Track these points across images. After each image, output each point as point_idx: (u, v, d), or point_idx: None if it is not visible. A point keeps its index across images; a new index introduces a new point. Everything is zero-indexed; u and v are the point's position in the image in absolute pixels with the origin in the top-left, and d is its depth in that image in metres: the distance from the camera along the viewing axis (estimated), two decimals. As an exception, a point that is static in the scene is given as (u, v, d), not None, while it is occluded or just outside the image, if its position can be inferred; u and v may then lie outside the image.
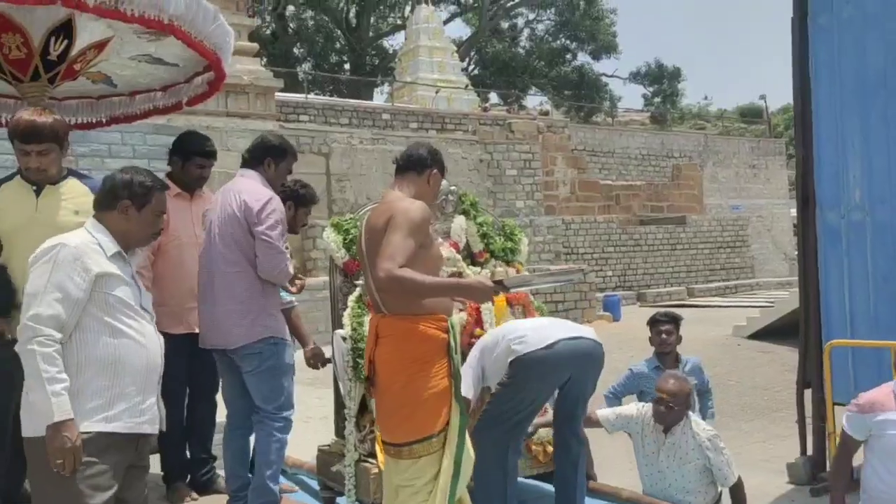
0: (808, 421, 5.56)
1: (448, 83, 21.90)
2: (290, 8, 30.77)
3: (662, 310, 4.41)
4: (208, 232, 3.20)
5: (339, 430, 3.35)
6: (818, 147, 5.67)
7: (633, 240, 19.85)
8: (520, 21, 35.06)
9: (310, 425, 6.79)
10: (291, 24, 31.46)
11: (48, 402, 2.11)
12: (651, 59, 37.44)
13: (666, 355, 4.02)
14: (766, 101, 36.61)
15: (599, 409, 3.56)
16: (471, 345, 3.36)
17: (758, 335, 11.85)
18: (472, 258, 3.79)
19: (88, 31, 3.25)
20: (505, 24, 34.64)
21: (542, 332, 2.94)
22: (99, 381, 2.21)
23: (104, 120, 4.22)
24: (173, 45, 3.42)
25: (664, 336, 3.96)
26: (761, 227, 24.52)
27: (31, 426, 2.18)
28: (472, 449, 2.52)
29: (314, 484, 3.67)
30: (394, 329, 2.47)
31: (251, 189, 3.16)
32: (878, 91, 5.28)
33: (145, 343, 2.33)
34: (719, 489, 3.35)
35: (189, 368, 3.44)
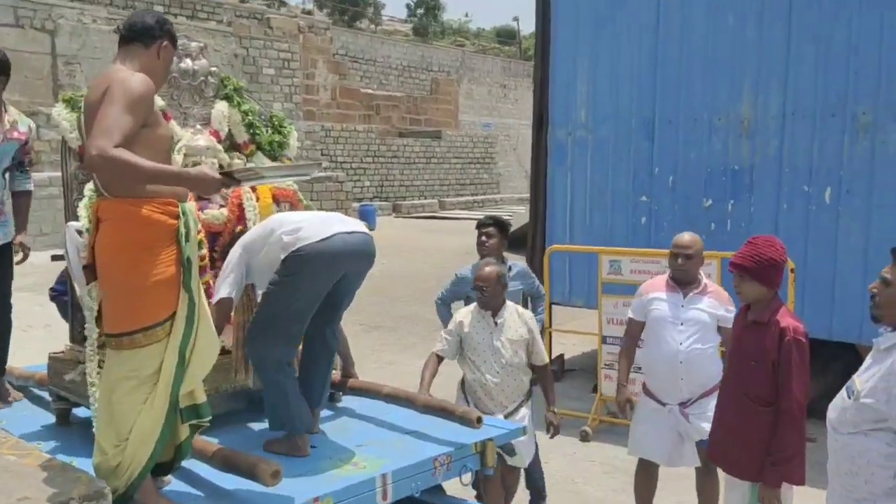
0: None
1: (200, -33, 20.04)
2: None
3: (487, 214, 4.46)
4: None
5: (75, 336, 3.02)
6: (554, 69, 6.09)
7: (391, 151, 20.19)
8: None
9: (30, 334, 6.17)
10: None
11: None
12: (416, -30, 37.40)
13: (490, 257, 3.92)
14: (518, 24, 38.45)
15: (435, 349, 3.55)
16: (231, 243, 3.18)
17: (497, 244, 12.78)
18: (235, 149, 3.51)
19: None
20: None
21: (317, 224, 2.81)
22: None
23: None
24: None
25: (483, 238, 3.96)
26: (508, 145, 26.24)
27: None
28: (209, 340, 2.41)
29: (46, 396, 3.30)
30: (114, 212, 2.25)
31: None
32: (607, 19, 5.77)
33: None
34: (529, 385, 3.51)
35: None
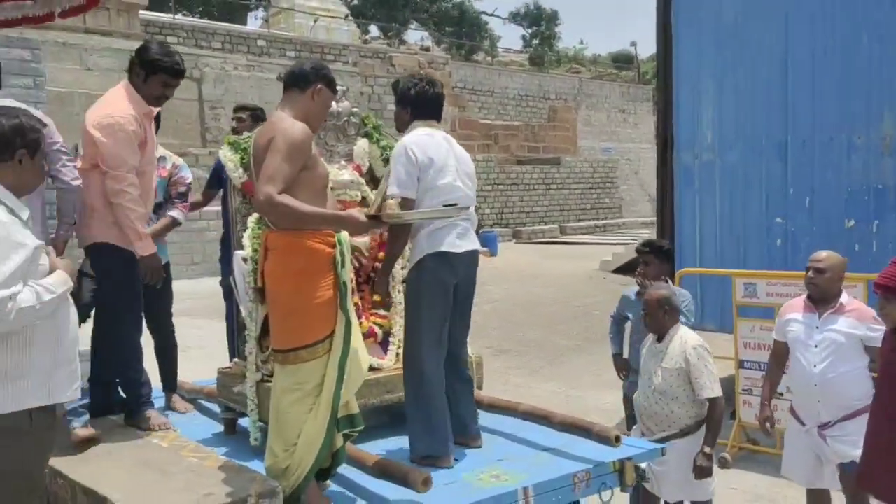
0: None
1: (327, 12, 21.25)
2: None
3: (649, 238, 4.48)
4: None
5: (240, 352, 3.35)
6: (677, 92, 6.08)
7: (510, 178, 20.42)
8: (402, -49, 34.26)
9: (187, 354, 6.73)
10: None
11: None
12: (530, 1, 37.83)
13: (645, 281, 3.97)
14: (636, 49, 37.95)
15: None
16: (374, 269, 3.48)
17: (622, 269, 12.65)
18: (374, 182, 3.74)
19: None
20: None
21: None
22: (49, 355, 2.14)
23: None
24: None
25: (641, 266, 3.96)
26: (629, 169, 25.84)
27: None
28: (360, 356, 2.66)
29: (213, 408, 3.67)
30: (281, 243, 2.53)
31: None
32: (731, 41, 5.72)
33: (73, 308, 2.28)
34: (704, 407, 3.41)
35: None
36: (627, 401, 4.05)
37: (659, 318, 3.45)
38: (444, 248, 3.05)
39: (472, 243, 3.14)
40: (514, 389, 6.54)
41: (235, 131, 4.41)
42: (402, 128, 3.22)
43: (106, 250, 3.25)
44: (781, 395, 3.86)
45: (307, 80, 2.70)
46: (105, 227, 3.22)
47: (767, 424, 3.51)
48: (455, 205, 2.92)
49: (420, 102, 3.17)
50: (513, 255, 16.10)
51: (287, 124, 2.55)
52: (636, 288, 4.03)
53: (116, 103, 3.23)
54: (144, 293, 3.38)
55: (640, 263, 4.00)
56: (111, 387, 3.45)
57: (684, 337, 3.46)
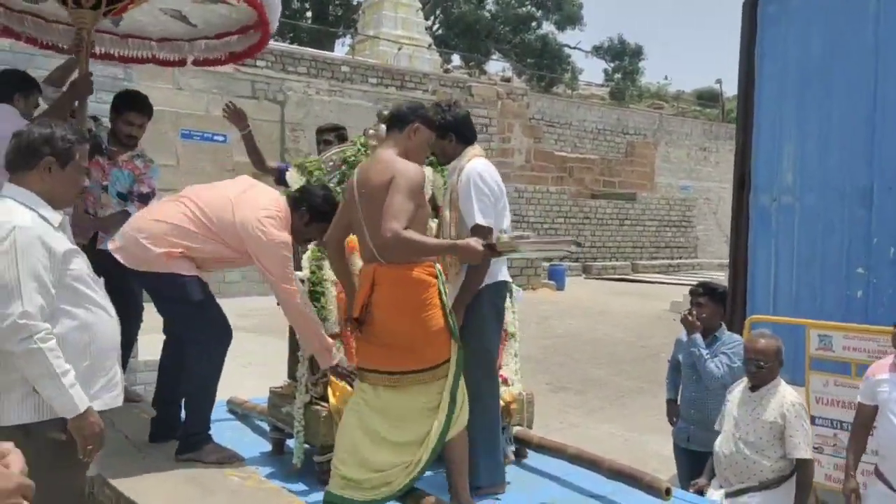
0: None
1: (411, 41, 21.66)
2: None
3: (701, 280, 4.34)
4: None
5: (292, 373, 3.39)
6: (757, 131, 5.88)
7: (583, 212, 20.17)
8: (487, -16, 34.74)
9: (249, 370, 6.87)
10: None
11: (67, 396, 2.04)
12: (614, 35, 37.64)
13: (701, 325, 3.89)
14: (721, 86, 37.13)
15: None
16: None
17: (693, 311, 12.22)
18: (436, 210, 3.82)
19: None
20: (472, -13, 34.25)
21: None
22: (79, 363, 2.13)
23: (166, 58, 4.37)
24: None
25: (693, 308, 3.87)
26: (707, 209, 25.15)
27: (31, 412, 2.09)
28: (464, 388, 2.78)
29: (264, 425, 3.71)
30: (392, 277, 2.67)
31: None
32: (815, 81, 5.49)
33: (111, 313, 2.29)
34: (792, 465, 3.31)
35: None
36: (676, 447, 3.91)
37: (774, 368, 3.33)
38: (501, 278, 3.10)
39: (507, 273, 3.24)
40: (570, 429, 6.37)
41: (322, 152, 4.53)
42: (446, 159, 3.21)
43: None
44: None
45: (405, 120, 2.86)
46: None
47: (853, 496, 3.29)
48: (574, 241, 2.97)
49: (463, 127, 3.19)
50: (581, 290, 15.84)
51: (403, 165, 2.72)
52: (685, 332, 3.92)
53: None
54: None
55: (693, 305, 3.88)
56: (177, 408, 3.43)
57: (784, 391, 3.35)
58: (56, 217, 2.21)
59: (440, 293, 2.69)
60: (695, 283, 4.43)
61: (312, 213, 3.23)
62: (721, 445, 3.39)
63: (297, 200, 3.27)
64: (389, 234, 2.55)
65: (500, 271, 3.15)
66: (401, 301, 2.66)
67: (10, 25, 4.06)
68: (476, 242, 2.70)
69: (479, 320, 3.03)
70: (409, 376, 2.64)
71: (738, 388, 3.47)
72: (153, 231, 3.14)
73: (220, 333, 3.24)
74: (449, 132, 3.15)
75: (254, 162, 4.55)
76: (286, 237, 3.16)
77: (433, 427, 2.64)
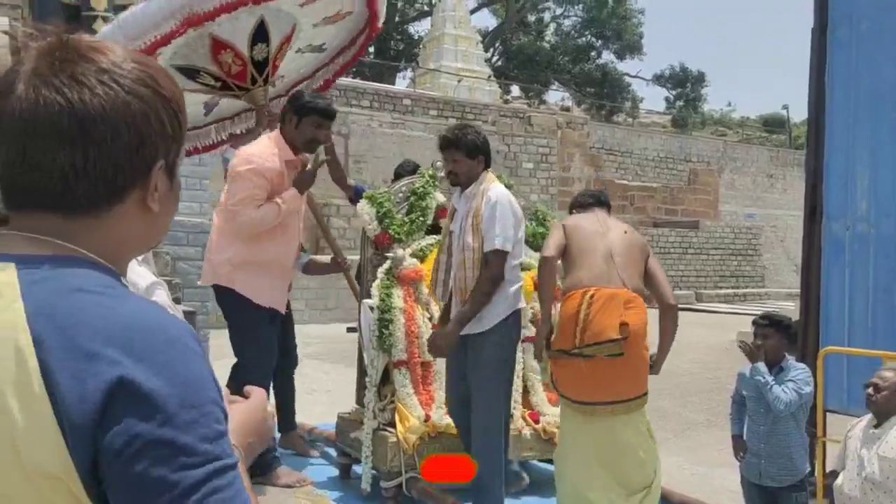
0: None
1: (471, 73, 21.95)
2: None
3: (765, 311, 4.26)
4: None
5: (360, 399, 3.45)
6: (829, 157, 5.74)
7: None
8: (546, 15, 35.00)
9: (314, 397, 6.99)
10: None
11: None
12: (676, 63, 37.32)
13: (767, 357, 3.79)
14: (788, 112, 36.30)
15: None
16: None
17: (761, 342, 11.86)
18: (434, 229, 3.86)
19: (277, 27, 3.59)
20: (532, 18, 34.55)
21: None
22: None
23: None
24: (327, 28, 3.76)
25: (756, 341, 3.77)
26: (774, 237, 24.47)
27: None
28: None
29: (331, 451, 3.78)
30: (637, 300, 2.99)
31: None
32: (890, 105, 5.35)
33: None
34: None
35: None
36: (745, 483, 3.81)
37: (891, 400, 3.20)
38: (521, 305, 3.10)
39: None
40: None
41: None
42: (468, 181, 3.15)
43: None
44: None
45: (606, 202, 3.50)
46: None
47: None
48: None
49: (488, 151, 3.20)
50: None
51: (500, 191, 3.05)
52: (749, 365, 3.81)
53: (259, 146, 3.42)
54: None
55: (758, 337, 3.77)
56: None
57: None
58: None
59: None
60: (761, 311, 4.32)
61: (295, 110, 3.32)
62: (845, 487, 3.27)
63: (281, 118, 3.42)
64: (673, 301, 3.19)
65: (521, 297, 3.08)
66: (643, 324, 2.94)
67: (198, 144, 4.40)
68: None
69: (503, 353, 2.99)
70: (642, 398, 2.91)
71: (860, 426, 3.34)
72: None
73: (259, 355, 3.31)
74: (480, 154, 3.12)
75: (336, 179, 4.62)
76: (254, 161, 3.23)
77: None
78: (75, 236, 0.79)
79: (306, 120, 3.35)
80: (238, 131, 4.44)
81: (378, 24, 4.06)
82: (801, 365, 3.82)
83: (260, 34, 3.53)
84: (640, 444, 2.76)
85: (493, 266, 2.90)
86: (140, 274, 2.13)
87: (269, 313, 3.34)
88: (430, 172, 3.67)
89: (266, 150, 3.33)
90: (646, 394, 2.86)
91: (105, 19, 7.36)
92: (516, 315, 3.04)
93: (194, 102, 3.91)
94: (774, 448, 3.76)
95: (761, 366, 3.74)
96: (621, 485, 2.69)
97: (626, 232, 3.18)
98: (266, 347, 3.33)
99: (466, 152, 3.07)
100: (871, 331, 5.33)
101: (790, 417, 3.69)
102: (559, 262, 3.08)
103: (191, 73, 3.59)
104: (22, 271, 0.75)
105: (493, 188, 3.06)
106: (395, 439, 3.12)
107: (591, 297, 2.76)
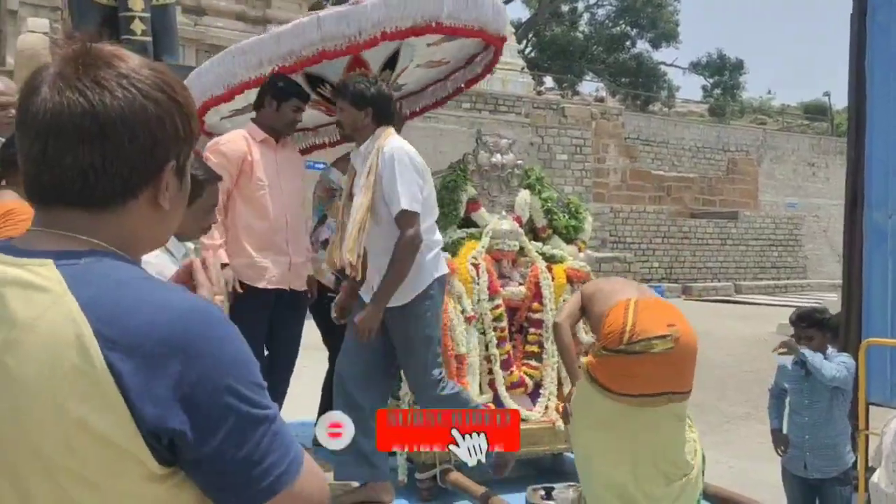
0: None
1: (504, 65, 21.83)
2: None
3: (803, 308, 4.17)
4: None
5: (395, 392, 3.45)
6: (870, 145, 5.60)
7: (682, 232, 19.64)
8: (580, 5, 34.69)
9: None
10: (352, 0, 31.68)
11: None
12: (713, 50, 36.72)
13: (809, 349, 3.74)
14: (829, 99, 35.40)
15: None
16: (527, 318, 3.49)
17: (802, 334, 11.64)
18: (534, 233, 3.85)
19: (406, 57, 3.60)
20: (565, 8, 34.27)
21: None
22: None
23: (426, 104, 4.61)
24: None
25: (803, 341, 3.73)
26: (817, 227, 23.96)
27: None
28: None
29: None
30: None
31: None
32: (935, 90, 5.20)
33: None
34: None
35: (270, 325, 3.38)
36: (787, 476, 3.75)
37: None
38: (443, 271, 2.94)
39: None
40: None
41: None
42: (351, 132, 2.97)
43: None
44: None
45: None
46: None
47: None
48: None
49: (381, 104, 2.91)
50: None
51: None
52: (790, 357, 3.74)
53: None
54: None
55: (801, 340, 3.70)
56: None
57: None
58: (181, 250, 2.22)
59: None
60: (805, 303, 4.24)
61: (273, 95, 3.27)
62: (881, 483, 3.21)
63: (257, 101, 3.37)
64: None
65: (441, 263, 2.90)
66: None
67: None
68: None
69: (429, 323, 2.85)
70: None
71: (895, 424, 3.28)
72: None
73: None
74: (367, 105, 2.89)
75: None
76: (218, 143, 3.25)
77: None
78: (97, 231, 0.84)
79: (286, 104, 3.34)
80: (319, 142, 4.45)
81: (501, 50, 4.10)
82: (844, 354, 3.76)
83: (391, 62, 3.54)
84: (683, 434, 2.75)
85: (405, 229, 2.70)
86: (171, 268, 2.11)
87: (258, 295, 3.23)
88: (461, 166, 3.69)
89: (235, 134, 3.33)
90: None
91: (142, 20, 7.52)
92: (439, 284, 2.85)
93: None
94: (820, 440, 3.71)
95: (806, 351, 3.69)
96: (662, 474, 2.67)
97: None
98: (247, 330, 3.32)
99: (351, 101, 2.88)
100: (916, 322, 5.21)
101: (834, 407, 3.64)
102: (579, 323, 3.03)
103: (316, 81, 3.52)
104: (61, 266, 0.80)
105: (388, 143, 2.83)
106: (426, 432, 3.15)
107: (636, 303, 2.66)
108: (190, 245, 2.37)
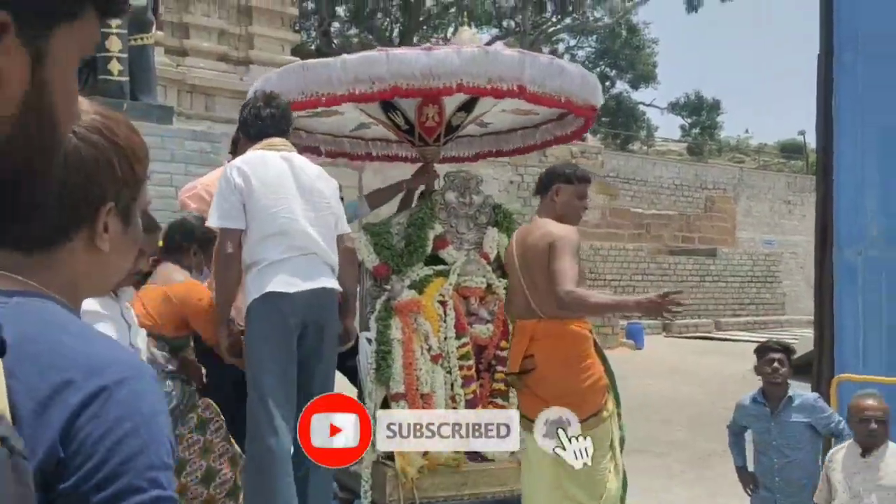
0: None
1: (484, 104, 22.13)
2: (335, 25, 31.39)
3: (774, 338, 4.21)
4: None
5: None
6: (838, 183, 5.69)
7: (661, 269, 19.74)
8: (561, 47, 35.25)
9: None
10: (336, 41, 32.06)
11: None
12: (691, 91, 37.38)
13: (776, 386, 3.68)
14: (804, 138, 36.12)
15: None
16: (495, 357, 3.46)
17: (781, 371, 11.66)
18: (502, 270, 3.85)
19: (489, 102, 3.71)
20: (546, 49, 34.84)
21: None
22: None
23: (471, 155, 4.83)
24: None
25: (776, 365, 3.63)
26: (794, 264, 24.20)
27: None
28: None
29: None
30: (552, 332, 2.82)
31: None
32: (898, 130, 5.31)
33: None
34: None
35: None
36: None
37: (888, 426, 3.16)
38: (270, 289, 2.66)
39: (315, 281, 2.72)
40: (651, 494, 6.12)
41: None
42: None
43: None
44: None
45: (543, 185, 3.09)
46: None
47: None
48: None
49: (250, 122, 2.91)
50: (661, 349, 15.39)
51: (562, 230, 2.90)
52: (748, 395, 3.74)
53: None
54: None
55: (776, 363, 3.70)
56: None
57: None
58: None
59: (596, 346, 2.85)
60: (782, 340, 4.28)
61: (249, 137, 3.02)
62: None
63: (233, 143, 3.36)
64: (567, 297, 2.68)
65: (270, 281, 2.68)
66: (560, 354, 2.80)
67: (322, 147, 4.57)
68: (646, 298, 2.77)
69: (248, 346, 2.75)
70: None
71: (841, 454, 3.25)
72: None
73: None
74: (240, 130, 3.09)
75: (384, 200, 4.49)
76: (196, 185, 3.34)
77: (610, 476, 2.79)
78: (33, 273, 0.82)
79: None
80: (372, 152, 4.69)
81: (592, 119, 4.20)
82: (810, 394, 3.74)
83: (468, 104, 3.69)
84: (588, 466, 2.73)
85: (215, 247, 2.76)
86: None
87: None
88: (429, 204, 3.68)
89: (214, 175, 3.37)
90: (594, 415, 2.78)
91: (119, 60, 7.52)
92: (261, 303, 2.66)
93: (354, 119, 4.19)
94: (790, 482, 3.67)
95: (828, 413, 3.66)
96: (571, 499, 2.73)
97: (535, 243, 2.94)
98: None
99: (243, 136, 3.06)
100: (886, 358, 5.22)
101: (804, 448, 3.61)
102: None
103: (389, 107, 3.68)
104: None
105: (229, 164, 2.92)
106: (394, 472, 3.09)
107: (513, 330, 2.89)
108: (126, 303, 2.28)
